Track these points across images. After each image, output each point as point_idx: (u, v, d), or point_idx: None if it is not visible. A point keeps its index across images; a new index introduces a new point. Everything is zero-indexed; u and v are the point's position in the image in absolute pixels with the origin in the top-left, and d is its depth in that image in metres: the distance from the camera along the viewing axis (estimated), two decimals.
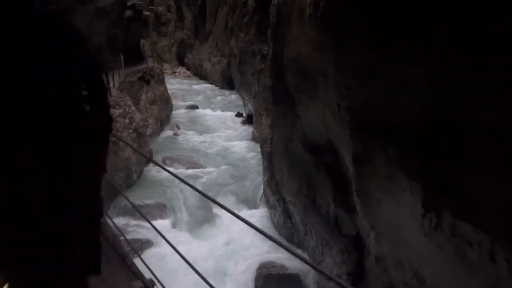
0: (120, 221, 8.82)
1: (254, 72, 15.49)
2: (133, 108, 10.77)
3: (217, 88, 28.38)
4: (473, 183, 3.76)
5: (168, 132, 15.83)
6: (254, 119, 14.70)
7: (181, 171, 11.55)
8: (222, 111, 20.09)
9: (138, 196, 9.69)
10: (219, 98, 24.57)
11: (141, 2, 14.65)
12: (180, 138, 15.11)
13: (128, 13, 13.74)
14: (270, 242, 7.86)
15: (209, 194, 10.65)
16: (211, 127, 16.76)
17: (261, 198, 9.62)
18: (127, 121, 10.23)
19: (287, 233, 7.78)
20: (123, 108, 10.23)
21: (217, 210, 9.21)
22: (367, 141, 4.71)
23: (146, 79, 15.37)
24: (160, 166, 3.24)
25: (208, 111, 20.04)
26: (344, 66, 4.70)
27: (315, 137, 7.43)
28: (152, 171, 11.43)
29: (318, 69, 6.39)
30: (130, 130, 10.25)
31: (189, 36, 38.43)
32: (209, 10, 32.26)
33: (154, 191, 10.10)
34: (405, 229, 4.56)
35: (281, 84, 7.80)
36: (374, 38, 4.27)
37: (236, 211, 8.48)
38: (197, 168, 11.79)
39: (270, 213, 8.57)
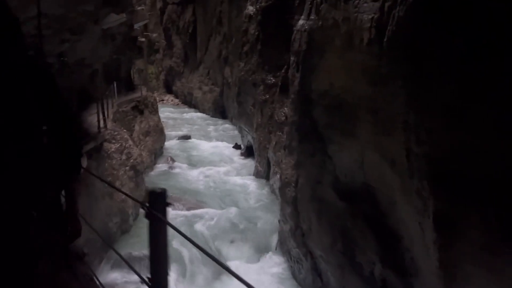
0: (115, 276, 7.53)
1: (255, 103, 14.61)
2: (130, 142, 9.62)
3: (209, 117, 27.40)
4: None
5: (162, 166, 14.62)
6: (256, 152, 13.68)
7: (182, 212, 10.33)
8: (217, 141, 18.99)
9: (135, 245, 8.42)
10: (211, 127, 23.54)
11: (139, 28, 13.75)
12: (175, 172, 13.91)
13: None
14: None
15: (216, 241, 9.40)
16: (208, 160, 15.62)
17: (276, 247, 8.46)
18: (123, 157, 9.05)
19: None
20: (120, 143, 9.07)
21: (228, 261, 8.02)
22: (455, 198, 3.72)
23: (139, 108, 14.29)
24: (168, 223, 2.02)
25: (202, 142, 18.93)
26: (426, 104, 3.75)
27: (349, 181, 6.44)
28: None
29: (361, 104, 5.46)
30: (127, 168, 9.05)
31: (178, 64, 37.77)
32: (200, 39, 31.75)
33: None
34: None
35: (308, 120, 6.85)
36: (477, 70, 3.35)
37: (249, 261, 7.17)
38: (199, 208, 10.59)
39: (292, 267, 7.40)
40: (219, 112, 26.72)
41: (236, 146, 17.22)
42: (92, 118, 9.24)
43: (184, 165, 14.81)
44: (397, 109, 4.23)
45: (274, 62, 13.27)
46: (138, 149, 10.40)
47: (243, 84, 16.31)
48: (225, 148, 17.61)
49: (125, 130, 10.13)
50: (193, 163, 15.17)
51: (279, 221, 8.58)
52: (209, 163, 15.10)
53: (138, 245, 8.40)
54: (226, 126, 23.34)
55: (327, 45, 5.94)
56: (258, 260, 8.41)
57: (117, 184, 8.24)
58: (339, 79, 5.93)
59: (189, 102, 32.96)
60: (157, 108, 16.90)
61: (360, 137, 5.85)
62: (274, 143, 11.63)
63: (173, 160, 15.30)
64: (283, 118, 11.32)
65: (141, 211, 10.11)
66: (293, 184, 7.08)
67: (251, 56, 15.48)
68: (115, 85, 12.57)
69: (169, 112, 28.59)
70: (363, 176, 6.14)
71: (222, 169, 14.38)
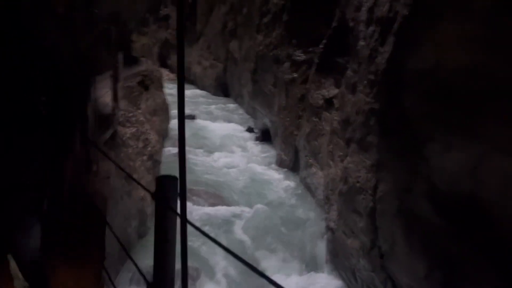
0: None
1: (277, 82, 12.96)
2: (146, 126, 7.93)
3: (209, 94, 25.66)
4: None
5: (171, 150, 12.91)
6: (280, 139, 12.12)
7: (204, 209, 8.79)
8: (225, 122, 17.34)
9: None
10: (213, 106, 21.79)
11: None
12: (188, 158, 12.24)
13: None
14: None
15: (251, 246, 7.87)
16: (221, 144, 14.02)
17: (327, 261, 7.03)
18: (140, 144, 7.37)
19: None
20: (135, 127, 7.37)
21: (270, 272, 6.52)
22: None
23: (145, 84, 12.46)
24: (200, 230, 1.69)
25: (209, 123, 17.25)
26: None
27: (452, 192, 4.96)
28: None
29: (500, 91, 3.95)
30: (145, 157, 7.39)
31: (174, 36, 35.42)
32: (201, 10, 29.58)
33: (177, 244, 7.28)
34: None
35: (397, 109, 5.30)
36: None
37: (294, 276, 5.48)
38: (223, 205, 9.05)
39: None
40: (221, 90, 24.96)
41: (249, 129, 15.61)
42: (100, 95, 7.49)
43: (195, 150, 13.17)
44: None
45: (305, 36, 11.57)
46: (155, 133, 8.69)
47: (261, 60, 14.59)
48: (236, 130, 15.97)
49: (139, 111, 8.41)
50: (204, 148, 13.55)
51: (329, 229, 7.12)
52: (222, 148, 13.52)
53: None
54: (230, 106, 21.63)
55: (447, 8, 4.35)
56: (305, 273, 6.97)
57: (135, 178, 6.60)
58: (460, 55, 4.38)
59: (187, 78, 31.00)
60: (162, 83, 15.10)
61: (484, 135, 4.37)
62: (307, 130, 10.08)
63: None
64: (320, 102, 9.75)
65: None
66: (369, 191, 5.57)
67: (272, 28, 13.71)
68: (120, 56, 10.71)
69: (166, 88, 26.56)
70: (473, 185, 4.68)
71: (240, 155, 12.82)
